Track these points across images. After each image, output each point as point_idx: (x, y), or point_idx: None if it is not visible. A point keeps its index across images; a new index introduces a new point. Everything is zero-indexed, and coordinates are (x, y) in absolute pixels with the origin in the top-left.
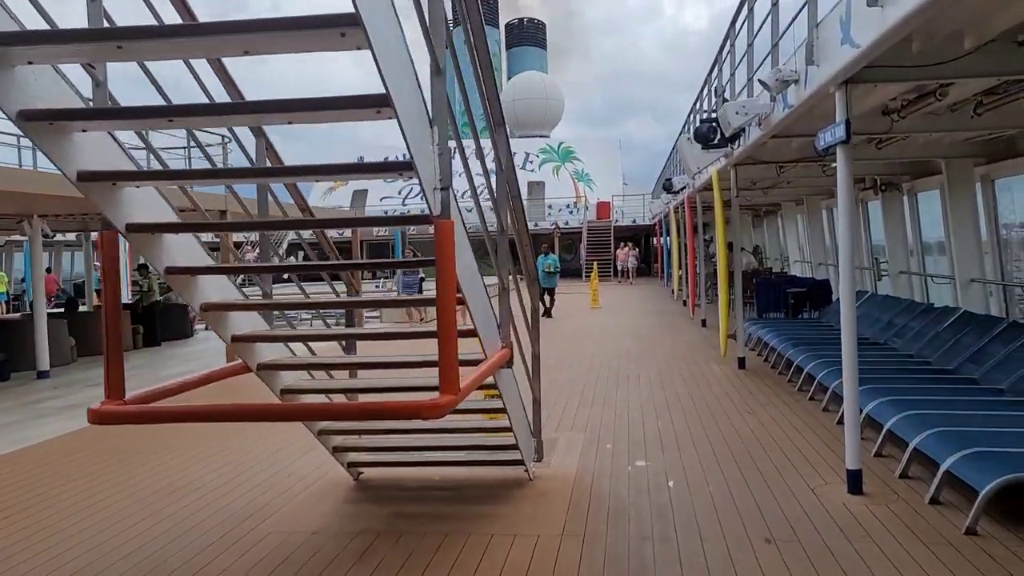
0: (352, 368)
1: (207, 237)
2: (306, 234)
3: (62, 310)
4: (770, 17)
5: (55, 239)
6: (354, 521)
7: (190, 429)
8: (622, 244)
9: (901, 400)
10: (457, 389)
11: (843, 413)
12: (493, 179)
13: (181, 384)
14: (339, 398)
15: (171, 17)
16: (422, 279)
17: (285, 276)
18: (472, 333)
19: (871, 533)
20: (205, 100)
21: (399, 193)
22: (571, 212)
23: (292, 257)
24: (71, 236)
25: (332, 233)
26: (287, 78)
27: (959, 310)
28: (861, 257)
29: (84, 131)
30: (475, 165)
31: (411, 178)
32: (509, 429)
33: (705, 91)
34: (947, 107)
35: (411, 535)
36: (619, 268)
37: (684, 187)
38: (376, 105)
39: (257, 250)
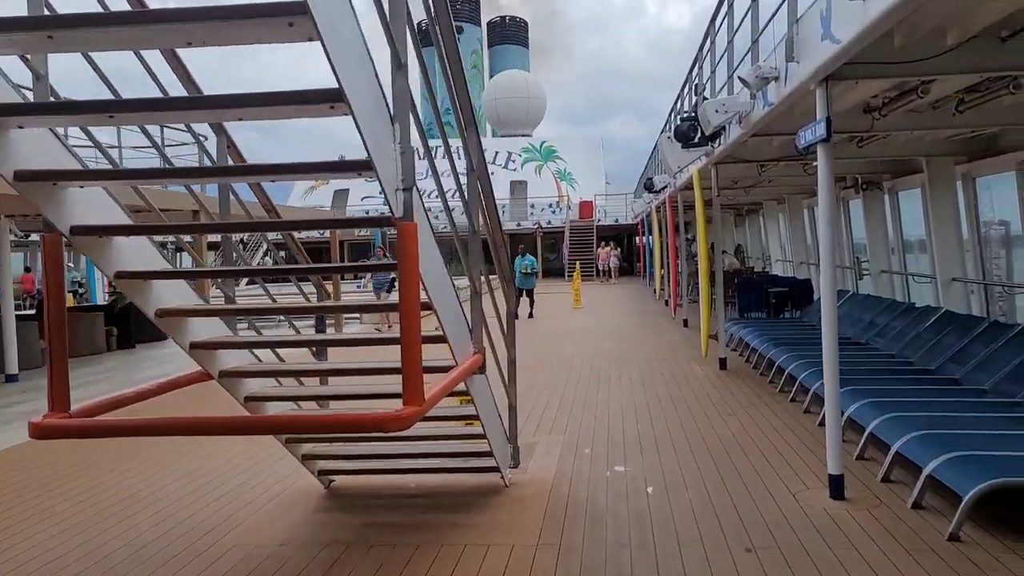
0: (317, 375)
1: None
2: (275, 235)
3: (33, 312)
4: (750, 13)
5: (30, 239)
6: (323, 532)
7: (153, 437)
8: (603, 244)
9: (883, 402)
10: (422, 399)
11: (825, 415)
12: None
13: (137, 393)
14: (309, 405)
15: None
16: (393, 279)
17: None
18: (443, 339)
19: (853, 540)
20: (159, 95)
21: (380, 192)
22: (554, 211)
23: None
24: None
25: (312, 234)
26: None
27: (940, 309)
28: (842, 256)
29: (21, 127)
30: (445, 165)
31: (372, 178)
32: (484, 436)
33: (686, 89)
34: (929, 104)
35: (382, 546)
36: (600, 268)
37: (665, 186)
38: (329, 100)
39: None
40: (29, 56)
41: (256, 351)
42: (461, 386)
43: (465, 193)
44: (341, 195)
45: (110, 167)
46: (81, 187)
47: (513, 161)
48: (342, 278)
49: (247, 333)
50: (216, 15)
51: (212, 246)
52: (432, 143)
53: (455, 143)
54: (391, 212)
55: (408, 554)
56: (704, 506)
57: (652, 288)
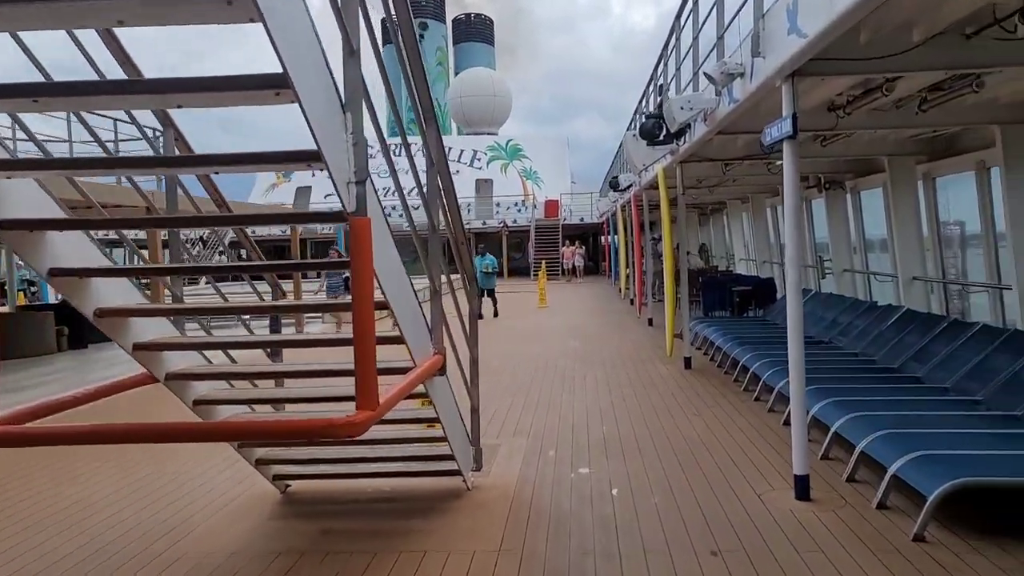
0: (270, 377)
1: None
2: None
3: None
4: (715, 9)
5: None
6: (277, 539)
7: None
8: (567, 243)
9: (847, 401)
10: (376, 404)
11: (789, 414)
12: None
13: (75, 397)
14: (265, 409)
15: None
16: (347, 279)
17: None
18: (400, 340)
19: (819, 542)
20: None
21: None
22: (519, 210)
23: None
24: None
25: (274, 232)
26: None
27: (902, 308)
28: (805, 255)
29: None
30: (403, 163)
31: (322, 170)
32: (445, 439)
33: (650, 88)
34: (892, 103)
35: (338, 554)
36: (565, 267)
37: (631, 185)
38: (273, 86)
39: (195, 249)
40: None
41: (207, 353)
42: (421, 388)
43: (424, 189)
44: (304, 192)
45: (42, 157)
46: (8, 178)
47: (478, 159)
48: (304, 276)
49: (197, 334)
50: None
51: (168, 245)
52: (392, 141)
53: (416, 141)
54: (343, 206)
55: (365, 562)
56: (670, 509)
57: (617, 287)
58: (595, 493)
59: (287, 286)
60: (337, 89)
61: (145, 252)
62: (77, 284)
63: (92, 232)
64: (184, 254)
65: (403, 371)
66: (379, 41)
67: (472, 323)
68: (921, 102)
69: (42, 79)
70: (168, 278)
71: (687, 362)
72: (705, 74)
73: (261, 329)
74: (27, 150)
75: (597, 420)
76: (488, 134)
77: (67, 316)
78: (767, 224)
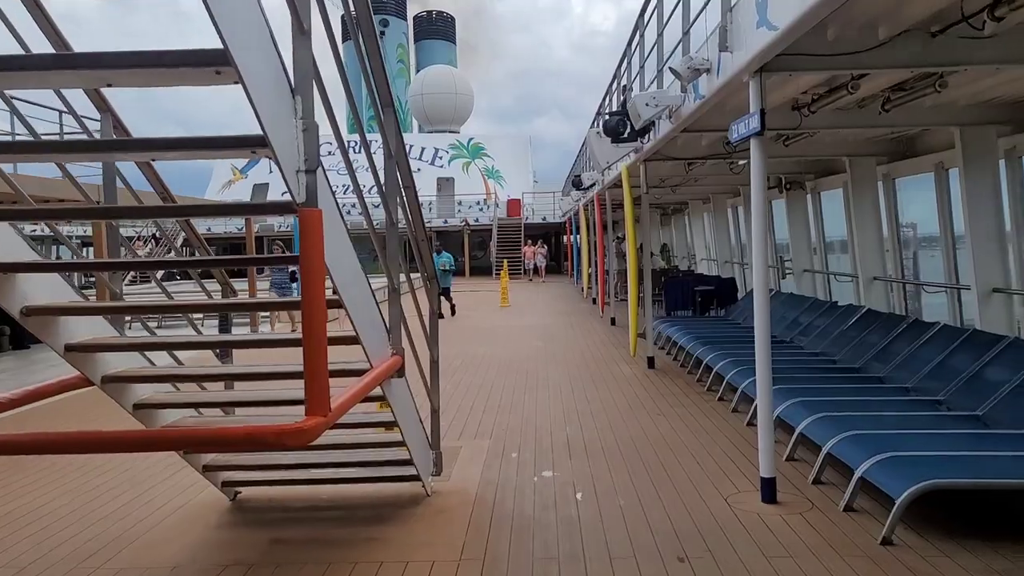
0: (217, 379)
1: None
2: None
3: None
4: (681, 3)
5: None
6: (225, 551)
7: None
8: (529, 242)
9: (811, 401)
10: (327, 409)
11: (753, 414)
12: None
13: None
14: (215, 412)
15: None
16: (293, 273)
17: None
18: (356, 340)
19: (786, 546)
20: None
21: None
22: (481, 209)
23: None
24: None
25: (231, 228)
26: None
27: (863, 308)
28: (766, 255)
29: None
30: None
31: (269, 157)
32: (403, 444)
33: (614, 85)
34: (856, 103)
35: (289, 565)
36: (527, 266)
37: (593, 184)
38: (213, 63)
39: (148, 246)
40: None
41: (154, 355)
42: (378, 390)
43: (383, 182)
44: (261, 189)
45: None
46: None
47: (440, 158)
48: (260, 272)
49: (141, 334)
50: None
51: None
52: (350, 137)
53: (375, 139)
54: (291, 197)
55: (318, 573)
56: (635, 512)
57: (579, 286)
58: (559, 497)
59: (244, 284)
60: (286, 71)
61: (91, 249)
62: (1, 280)
63: (20, 225)
64: (125, 249)
65: (359, 373)
66: (331, 21)
67: (432, 323)
68: (884, 102)
69: None
70: (106, 275)
71: (650, 362)
72: (671, 69)
73: (214, 329)
74: None
75: (560, 421)
76: (450, 132)
77: (6, 315)
78: (728, 224)
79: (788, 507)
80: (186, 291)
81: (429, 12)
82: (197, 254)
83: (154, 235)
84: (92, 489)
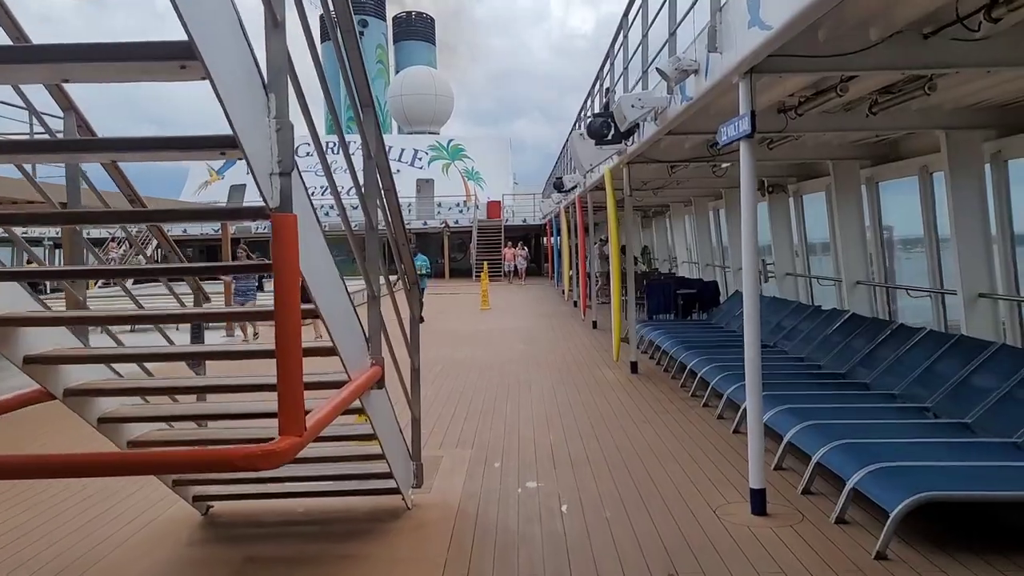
0: (186, 392)
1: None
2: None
3: None
4: (667, 3)
5: None
6: (195, 569)
7: None
8: (509, 244)
9: (798, 409)
10: (302, 429)
11: (739, 421)
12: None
13: None
14: (187, 425)
15: None
16: (258, 285)
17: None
18: (333, 351)
19: (778, 560)
20: None
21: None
22: (461, 211)
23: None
24: None
25: (208, 231)
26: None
27: (847, 313)
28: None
29: None
30: (340, 159)
31: (240, 159)
32: (382, 457)
33: (596, 87)
34: (842, 106)
35: None
36: (507, 269)
37: (575, 186)
38: (178, 57)
39: (121, 248)
40: None
41: (122, 367)
42: (357, 403)
43: (361, 183)
44: (237, 191)
45: None
46: None
47: (420, 159)
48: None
49: (108, 344)
50: None
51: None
52: (329, 139)
53: (353, 140)
54: (264, 201)
55: None
56: (622, 526)
57: (560, 289)
58: (544, 509)
59: (220, 286)
60: (259, 66)
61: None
62: None
63: None
64: (91, 255)
65: (336, 385)
66: (307, 16)
67: (413, 329)
68: (871, 105)
69: None
70: (68, 282)
71: (633, 366)
72: (658, 70)
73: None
74: None
75: (544, 429)
76: (430, 133)
77: None
78: (709, 227)
79: (779, 519)
80: (158, 294)
81: (408, 13)
82: (168, 258)
83: (127, 238)
84: (57, 504)
